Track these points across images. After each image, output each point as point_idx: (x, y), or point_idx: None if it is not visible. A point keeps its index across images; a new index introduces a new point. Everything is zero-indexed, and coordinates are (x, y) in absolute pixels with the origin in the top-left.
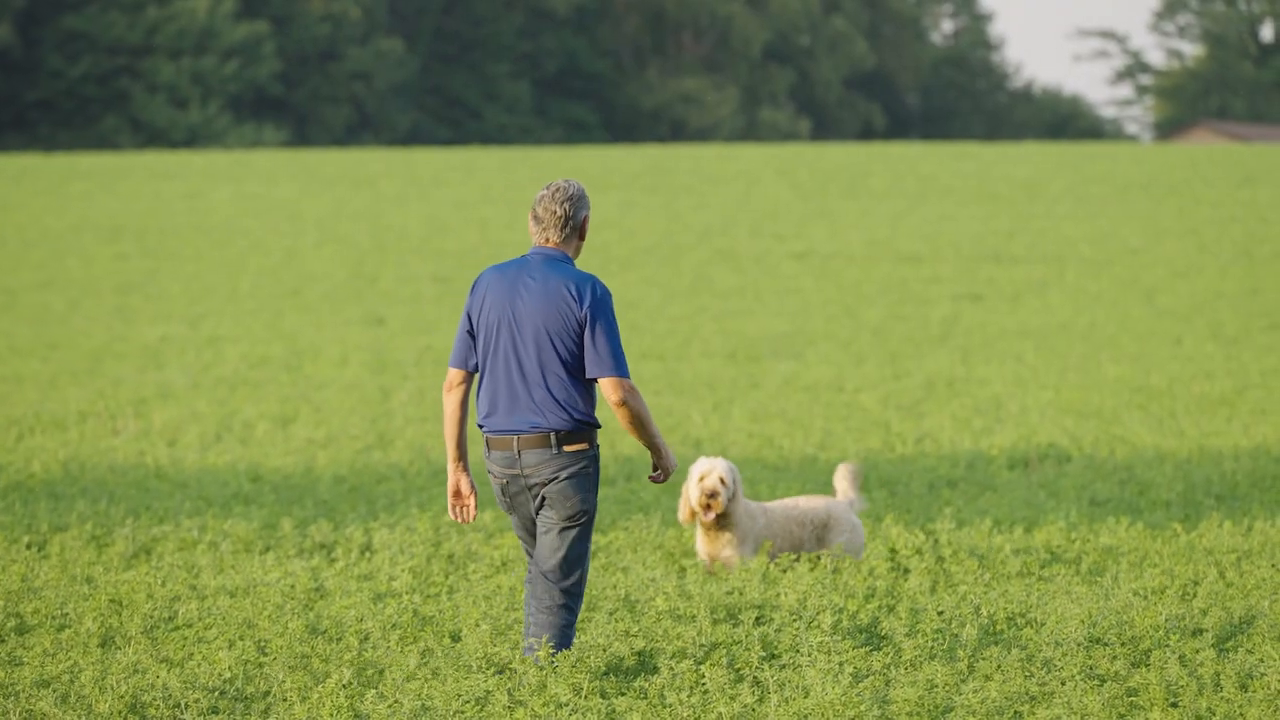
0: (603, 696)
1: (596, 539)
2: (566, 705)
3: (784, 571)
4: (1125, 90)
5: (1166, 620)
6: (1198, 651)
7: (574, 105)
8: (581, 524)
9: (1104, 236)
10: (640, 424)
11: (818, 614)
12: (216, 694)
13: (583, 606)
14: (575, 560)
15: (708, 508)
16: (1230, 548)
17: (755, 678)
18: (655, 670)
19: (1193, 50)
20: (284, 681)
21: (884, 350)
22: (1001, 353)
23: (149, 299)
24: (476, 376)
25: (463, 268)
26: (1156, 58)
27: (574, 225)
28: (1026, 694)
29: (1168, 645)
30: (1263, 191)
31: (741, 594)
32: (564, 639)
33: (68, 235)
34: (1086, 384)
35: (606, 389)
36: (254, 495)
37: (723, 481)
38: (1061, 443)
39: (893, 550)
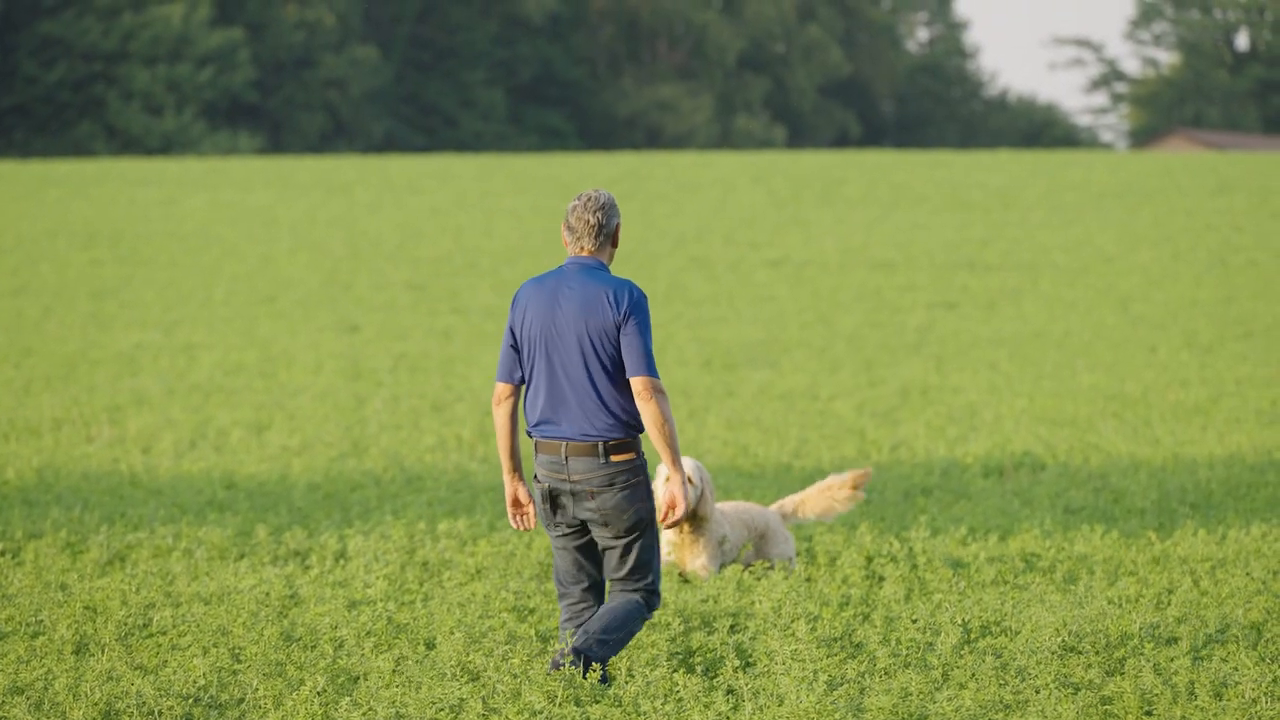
0: (577, 704)
1: None
2: (541, 713)
3: (758, 579)
4: (1100, 98)
5: (1141, 628)
6: (1172, 660)
7: (549, 113)
8: (643, 531)
9: (1079, 245)
10: (662, 427)
11: (792, 622)
12: (191, 701)
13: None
14: (646, 564)
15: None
16: (1205, 556)
17: (729, 686)
18: (630, 678)
19: (1168, 59)
20: (258, 689)
21: (859, 358)
22: (976, 361)
23: (124, 306)
24: (523, 389)
25: (438, 275)
26: (1132, 66)
27: (607, 233)
28: (1001, 702)
29: (1142, 654)
30: (1237, 200)
31: (716, 601)
32: (638, 610)
33: (42, 241)
34: (1061, 392)
35: (635, 387)
36: (228, 502)
37: (690, 481)
38: (1036, 451)
39: (868, 558)
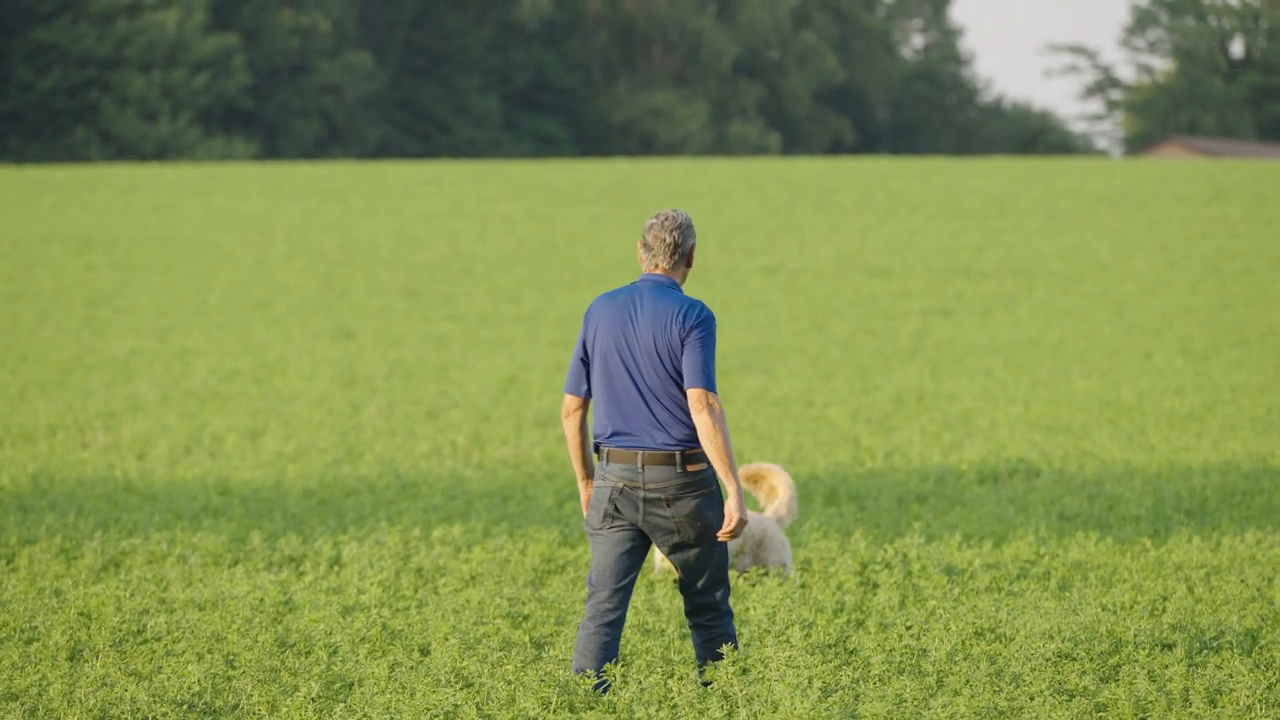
0: (571, 711)
1: (565, 553)
2: (535, 719)
3: (753, 586)
4: (1095, 105)
5: (1136, 635)
6: (1167, 667)
7: (544, 119)
8: (714, 538)
9: (1074, 251)
10: (714, 439)
11: (786, 628)
12: (185, 707)
13: (546, 624)
14: (721, 573)
15: None
16: (1199, 563)
17: (724, 692)
18: (624, 683)
19: (1163, 65)
20: (252, 695)
21: (853, 364)
22: (971, 367)
23: (118, 311)
24: (591, 401)
25: (432, 281)
26: (1127, 73)
27: (682, 252)
28: (995, 709)
29: (1137, 660)
30: (1232, 207)
31: None
32: (732, 640)
33: (37, 247)
34: (1056, 399)
35: (691, 399)
36: (223, 508)
37: None
38: (1031, 457)
39: (862, 565)
